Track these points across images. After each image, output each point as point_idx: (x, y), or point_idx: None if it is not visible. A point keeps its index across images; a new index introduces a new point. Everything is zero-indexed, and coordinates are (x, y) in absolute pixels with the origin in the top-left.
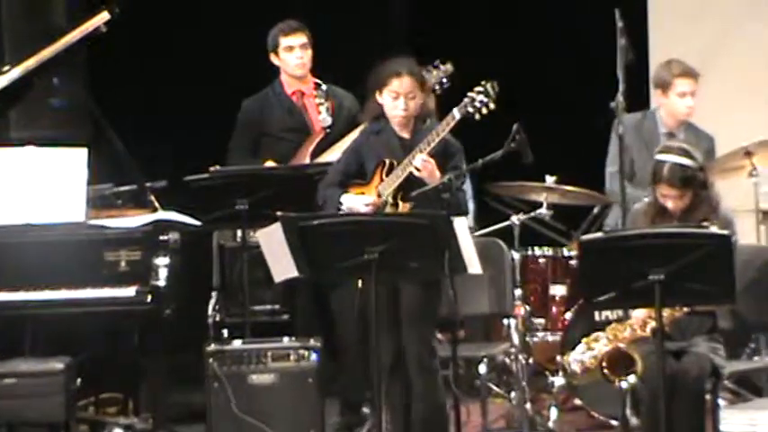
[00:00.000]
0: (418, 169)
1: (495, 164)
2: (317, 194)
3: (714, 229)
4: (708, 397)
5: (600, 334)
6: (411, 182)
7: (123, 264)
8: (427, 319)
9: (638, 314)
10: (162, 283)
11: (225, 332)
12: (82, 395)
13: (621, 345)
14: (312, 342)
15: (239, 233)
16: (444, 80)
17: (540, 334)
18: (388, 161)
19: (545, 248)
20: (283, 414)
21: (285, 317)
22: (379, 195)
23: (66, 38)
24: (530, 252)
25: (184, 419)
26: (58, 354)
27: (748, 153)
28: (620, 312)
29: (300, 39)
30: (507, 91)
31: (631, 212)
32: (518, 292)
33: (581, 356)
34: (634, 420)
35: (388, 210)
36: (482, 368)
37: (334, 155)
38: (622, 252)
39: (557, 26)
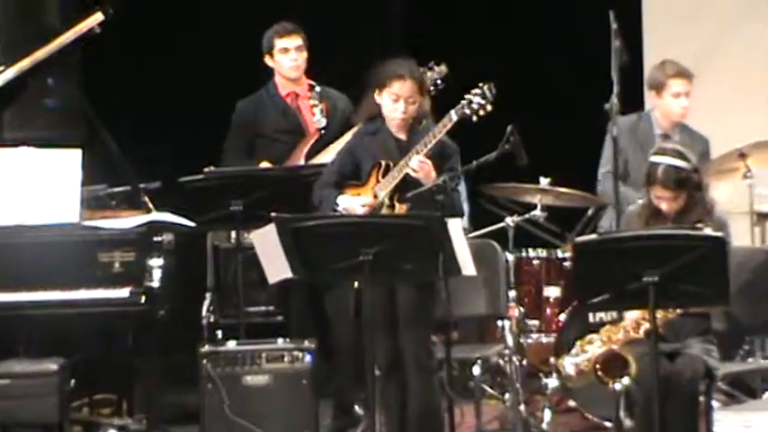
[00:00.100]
0: (415, 170)
1: (490, 165)
2: (312, 195)
3: (708, 231)
4: (702, 399)
5: (593, 336)
6: (408, 183)
7: (117, 265)
8: (424, 320)
9: (632, 316)
10: (156, 284)
11: (219, 333)
12: (76, 396)
13: (615, 347)
14: (306, 343)
15: (233, 234)
16: (439, 81)
17: (534, 335)
18: (384, 162)
19: (539, 250)
20: (277, 415)
21: (279, 318)
22: (376, 196)
23: (60, 39)
24: (524, 254)
25: (178, 420)
26: (52, 355)
27: (743, 155)
28: (615, 314)
29: (295, 41)
30: (502, 92)
31: (625, 214)
32: (512, 293)
33: (575, 359)
34: (628, 422)
35: (385, 211)
36: (476, 370)
37: (328, 156)
38: (616, 254)
39: (552, 28)
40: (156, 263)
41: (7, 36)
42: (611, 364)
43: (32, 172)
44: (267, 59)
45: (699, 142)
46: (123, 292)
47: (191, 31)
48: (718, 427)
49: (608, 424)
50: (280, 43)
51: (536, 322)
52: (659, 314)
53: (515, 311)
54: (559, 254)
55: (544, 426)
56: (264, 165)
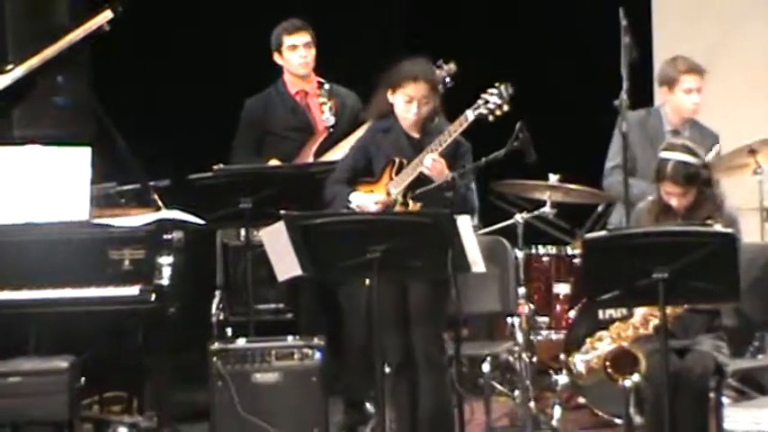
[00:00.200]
0: (428, 169)
1: (499, 162)
2: (324, 191)
3: (718, 228)
4: (712, 395)
5: (603, 333)
6: (422, 181)
7: (127, 263)
8: (436, 317)
9: (641, 312)
10: (166, 281)
11: (229, 331)
12: (86, 394)
13: (625, 344)
14: (316, 341)
15: (243, 232)
16: (448, 79)
17: (544, 332)
18: (397, 160)
19: (549, 247)
20: (287, 413)
21: (289, 315)
22: (389, 194)
23: (70, 36)
24: (533, 250)
25: (188, 418)
26: (62, 352)
27: (752, 151)
28: (624, 311)
29: (304, 38)
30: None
31: (635, 211)
32: (522, 290)
33: (585, 357)
34: (638, 419)
35: (398, 209)
36: (485, 367)
37: (337, 154)
38: (626, 250)
39: (559, 24)
40: (165, 260)
41: (17, 34)
42: (621, 360)
43: (42, 170)
44: (276, 57)
45: (709, 138)
46: (133, 290)
47: (191, 30)
48: (729, 423)
49: (618, 421)
50: (288, 40)
51: (546, 319)
52: (667, 310)
53: (525, 308)
54: (569, 250)
55: (554, 422)
56: (273, 162)
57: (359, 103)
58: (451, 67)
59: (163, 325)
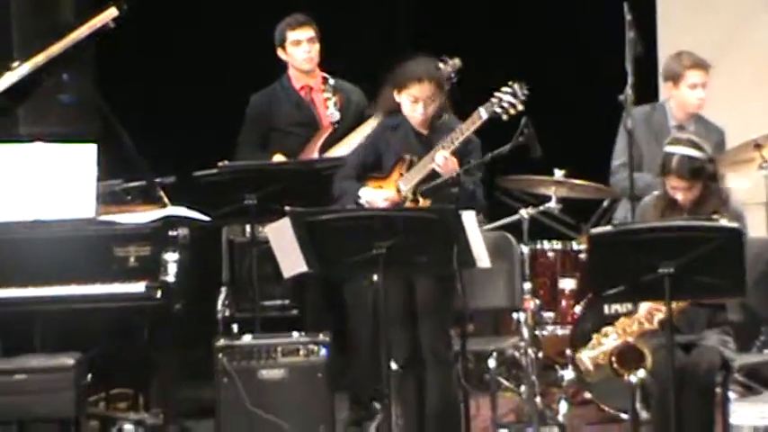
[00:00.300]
0: (439, 166)
1: (504, 158)
2: (332, 187)
3: (724, 222)
4: (718, 390)
5: (609, 329)
6: (433, 178)
7: (133, 259)
8: (443, 312)
9: (646, 306)
10: (171, 278)
11: (234, 327)
12: (92, 391)
13: (631, 339)
14: (322, 337)
15: (248, 228)
16: (452, 75)
17: (550, 328)
18: (408, 157)
19: (554, 242)
20: (293, 409)
21: (295, 312)
22: (399, 191)
23: (75, 34)
24: (539, 246)
25: (194, 414)
26: (68, 350)
27: (758, 146)
28: (630, 306)
29: (308, 33)
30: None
31: (641, 205)
32: (527, 285)
33: (592, 353)
34: (644, 414)
35: (409, 205)
36: (491, 362)
37: (342, 149)
38: (632, 245)
39: (563, 20)
40: (171, 257)
41: (22, 31)
42: (627, 356)
43: (48, 167)
44: (280, 52)
45: (714, 133)
46: (139, 287)
47: (194, 29)
48: (735, 418)
49: (624, 416)
50: (292, 35)
51: (551, 314)
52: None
53: (531, 304)
54: (574, 246)
55: (560, 418)
56: (278, 158)
57: (364, 98)
58: (456, 62)
59: (169, 321)
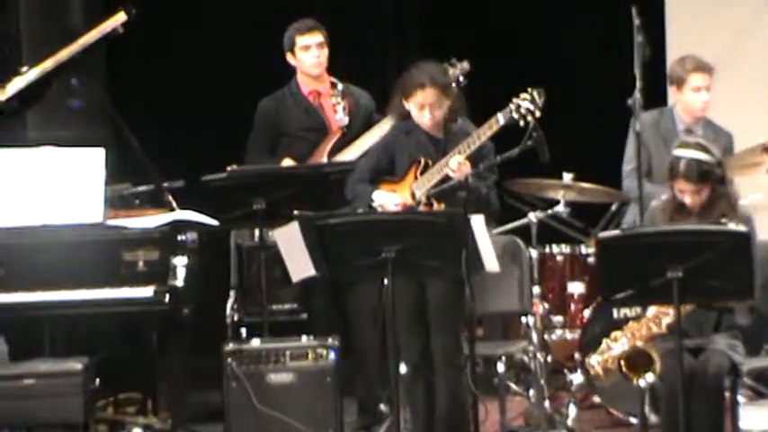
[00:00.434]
0: (453, 171)
1: (513, 161)
2: (345, 189)
3: (732, 226)
4: (727, 394)
5: (618, 333)
6: (447, 182)
7: (141, 264)
8: (455, 316)
9: (653, 310)
10: (180, 282)
11: (243, 331)
12: (101, 395)
13: (640, 343)
14: (330, 341)
15: (257, 232)
16: (461, 78)
17: (559, 332)
18: (423, 160)
19: (563, 246)
20: (301, 413)
21: (303, 316)
22: (413, 194)
23: (84, 39)
24: (548, 250)
25: (203, 419)
26: (76, 354)
27: (766, 149)
28: (639, 310)
29: (317, 38)
30: (523, 87)
31: (649, 209)
32: (536, 289)
33: (602, 357)
34: (653, 418)
35: (422, 209)
36: (500, 366)
37: (351, 154)
38: (640, 249)
39: (573, 23)
40: (180, 261)
41: (31, 36)
42: (636, 360)
43: (56, 172)
44: (289, 57)
45: (722, 137)
46: (147, 291)
47: (199, 33)
48: (744, 422)
49: (633, 420)
50: (301, 41)
51: (560, 318)
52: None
53: (539, 307)
54: (583, 249)
55: (569, 422)
56: (287, 162)
57: (372, 102)
58: (465, 65)
59: (177, 326)
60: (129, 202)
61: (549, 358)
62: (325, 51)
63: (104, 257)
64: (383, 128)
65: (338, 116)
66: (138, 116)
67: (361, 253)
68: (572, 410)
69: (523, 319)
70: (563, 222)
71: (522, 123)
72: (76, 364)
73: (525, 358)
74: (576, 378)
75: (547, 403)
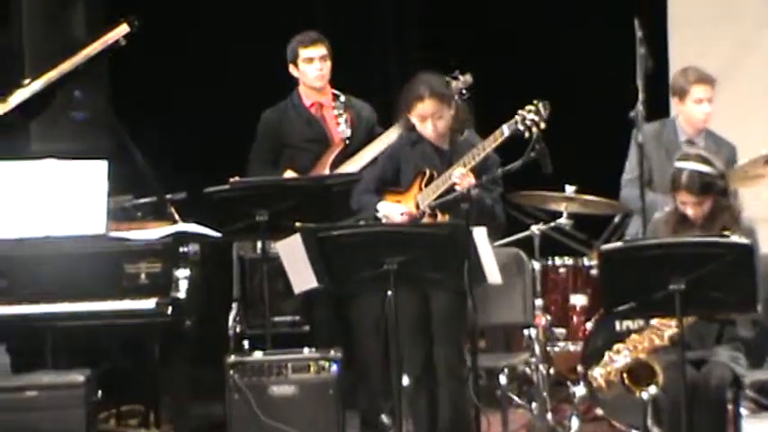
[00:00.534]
0: (457, 182)
1: (515, 173)
2: (351, 200)
3: (735, 238)
4: (729, 406)
5: (621, 346)
6: (451, 194)
7: (143, 276)
8: (458, 327)
9: (655, 322)
10: (182, 294)
11: (245, 343)
12: (103, 407)
13: (642, 356)
14: (333, 353)
15: (259, 244)
16: (464, 91)
17: (561, 344)
18: (428, 171)
19: (565, 258)
20: (304, 425)
21: (305, 328)
22: (418, 205)
23: (86, 51)
24: (550, 262)
25: (205, 431)
26: (78, 366)
27: None
28: (641, 322)
29: (320, 50)
30: (526, 99)
31: (652, 221)
32: (539, 301)
33: (604, 370)
34: (656, 430)
35: (427, 220)
36: (503, 378)
37: (353, 166)
38: (642, 261)
39: (575, 34)
40: (182, 273)
41: (34, 48)
42: (639, 373)
43: (59, 183)
44: (291, 69)
45: (725, 148)
46: (150, 303)
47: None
48: None
49: None
50: (304, 53)
51: (563, 330)
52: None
53: (542, 320)
54: (586, 262)
55: None
56: (290, 174)
57: (374, 114)
58: (467, 78)
59: (179, 338)
60: (132, 214)
61: (552, 370)
62: (328, 64)
63: (107, 269)
64: (384, 140)
65: (340, 128)
66: (141, 127)
67: (364, 265)
68: (575, 423)
69: (526, 331)
70: (566, 234)
71: (526, 135)
72: (79, 377)
73: (528, 370)
74: (579, 390)
75: (549, 416)
